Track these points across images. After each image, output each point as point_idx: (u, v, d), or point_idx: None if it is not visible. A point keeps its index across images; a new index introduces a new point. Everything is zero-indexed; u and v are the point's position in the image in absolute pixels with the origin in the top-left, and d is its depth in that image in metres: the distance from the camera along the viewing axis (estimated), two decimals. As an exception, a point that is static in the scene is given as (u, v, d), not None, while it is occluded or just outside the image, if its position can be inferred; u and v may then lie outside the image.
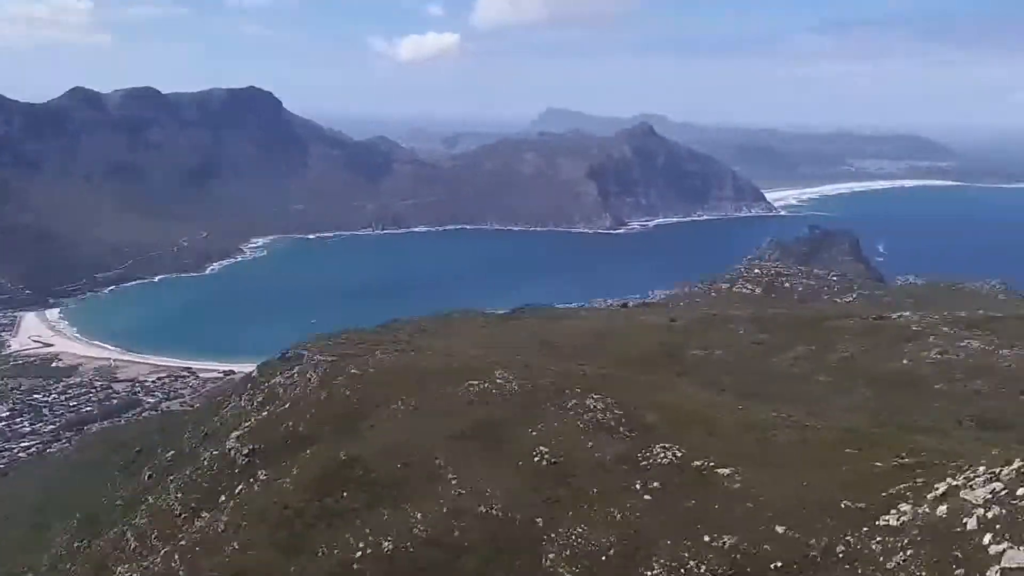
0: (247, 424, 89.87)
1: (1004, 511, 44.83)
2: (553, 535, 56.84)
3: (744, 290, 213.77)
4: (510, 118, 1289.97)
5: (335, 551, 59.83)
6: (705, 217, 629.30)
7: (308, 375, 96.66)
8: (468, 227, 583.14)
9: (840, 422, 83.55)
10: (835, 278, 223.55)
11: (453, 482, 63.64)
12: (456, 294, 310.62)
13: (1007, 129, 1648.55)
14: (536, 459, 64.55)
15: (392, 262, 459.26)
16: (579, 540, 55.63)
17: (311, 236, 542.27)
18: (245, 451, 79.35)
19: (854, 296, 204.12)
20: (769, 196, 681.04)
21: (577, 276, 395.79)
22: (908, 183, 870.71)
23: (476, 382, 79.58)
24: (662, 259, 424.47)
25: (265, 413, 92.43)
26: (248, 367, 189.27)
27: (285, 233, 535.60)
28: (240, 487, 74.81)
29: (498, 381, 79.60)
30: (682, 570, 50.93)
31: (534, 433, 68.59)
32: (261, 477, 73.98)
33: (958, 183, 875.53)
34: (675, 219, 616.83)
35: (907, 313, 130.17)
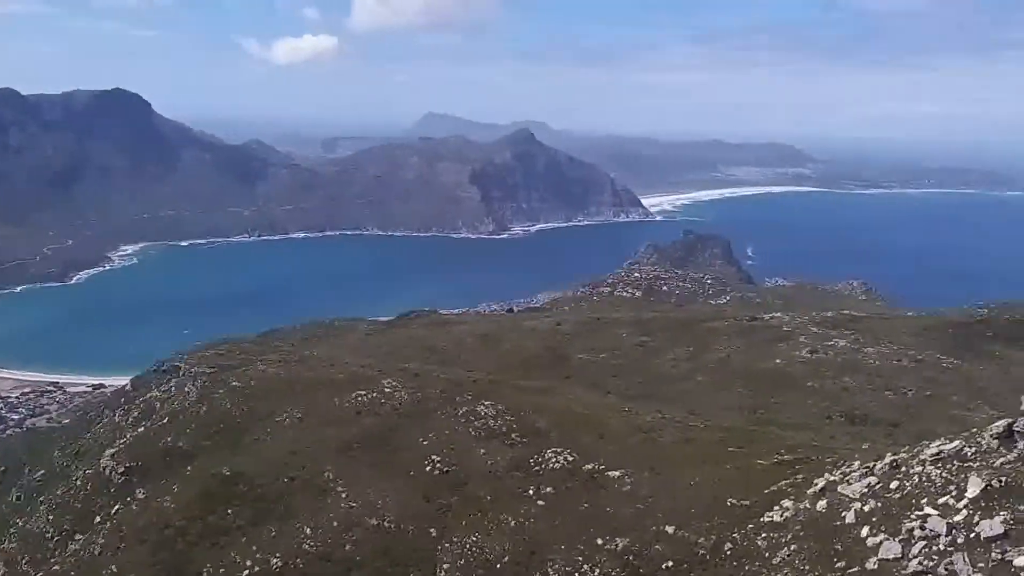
0: (122, 440, 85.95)
1: (879, 504, 47.21)
2: (447, 545, 56.60)
3: (625, 293, 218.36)
4: (390, 122, 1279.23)
5: (220, 570, 57.91)
6: (585, 222, 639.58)
7: (186, 388, 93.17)
8: (349, 233, 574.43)
9: (720, 421, 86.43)
10: (710, 281, 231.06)
11: (343, 495, 62.59)
12: (338, 301, 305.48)
13: (861, 138, 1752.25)
14: (428, 468, 64.20)
15: (270, 269, 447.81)
16: (474, 549, 55.56)
17: (184, 243, 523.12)
18: (121, 469, 75.71)
19: (727, 298, 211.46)
20: (645, 202, 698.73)
21: (461, 281, 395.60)
22: (775, 189, 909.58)
23: (364, 392, 78.55)
24: (545, 264, 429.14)
25: (141, 429, 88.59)
26: (120, 381, 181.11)
27: (156, 240, 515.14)
28: (117, 507, 71.42)
29: (386, 390, 78.79)
30: (576, 575, 51.55)
31: (425, 442, 68.20)
32: (139, 496, 70.87)
33: (819, 189, 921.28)
34: (557, 224, 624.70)
35: (778, 314, 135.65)
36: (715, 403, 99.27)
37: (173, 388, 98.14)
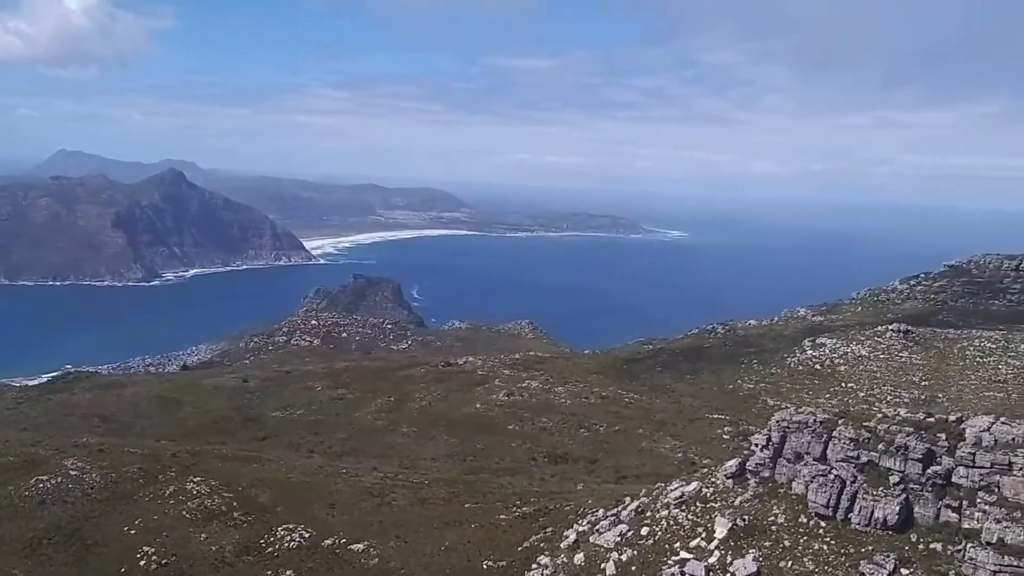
0: None
1: (636, 552, 48.74)
2: (176, 650, 49.73)
3: (303, 342, 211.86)
4: (13, 160, 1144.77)
5: None
6: (245, 267, 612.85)
7: None
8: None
9: (438, 473, 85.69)
10: (390, 326, 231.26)
11: (37, 606, 52.93)
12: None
13: (503, 184, 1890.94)
14: (142, 562, 56.29)
15: None
16: (210, 651, 49.35)
17: None
18: None
19: (409, 343, 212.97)
20: (307, 245, 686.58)
21: (111, 334, 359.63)
22: (433, 232, 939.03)
23: (45, 476, 67.42)
24: (206, 312, 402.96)
25: None
26: None
27: None
28: None
29: (72, 472, 68.32)
30: (336, 664, 47.64)
31: (132, 531, 59.83)
32: None
33: (473, 232, 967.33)
34: (214, 269, 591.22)
35: (471, 358, 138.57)
36: (425, 454, 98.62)
37: None
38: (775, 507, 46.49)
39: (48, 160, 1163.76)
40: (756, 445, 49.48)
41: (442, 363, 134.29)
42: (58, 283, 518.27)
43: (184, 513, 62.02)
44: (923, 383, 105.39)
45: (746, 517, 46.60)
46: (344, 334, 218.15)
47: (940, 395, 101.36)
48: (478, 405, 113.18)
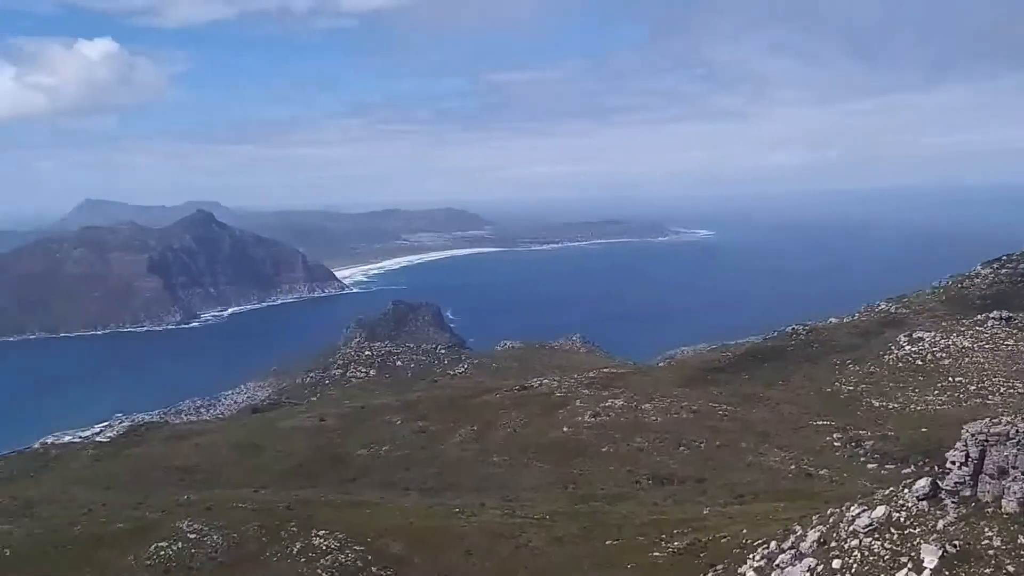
0: None
1: (833, 587, 45.01)
2: None
3: (359, 374, 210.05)
4: (40, 213, 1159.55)
5: None
6: (280, 301, 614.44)
7: None
8: (11, 339, 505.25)
9: (544, 504, 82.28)
10: (443, 351, 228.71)
11: None
12: (23, 423, 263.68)
13: (521, 199, 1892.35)
14: (288, 630, 53.32)
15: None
16: None
17: None
18: None
19: (465, 366, 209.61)
20: (338, 274, 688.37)
21: (155, 379, 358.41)
22: (459, 252, 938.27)
23: (164, 542, 64.79)
24: (248, 349, 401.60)
25: None
26: None
27: None
28: None
29: (191, 536, 65.68)
30: None
31: (270, 596, 56.96)
32: None
33: (500, 248, 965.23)
34: (250, 306, 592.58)
35: (546, 380, 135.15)
36: (523, 484, 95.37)
37: None
38: (987, 529, 42.71)
39: (74, 211, 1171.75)
40: (953, 462, 45.62)
41: (517, 387, 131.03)
42: (98, 332, 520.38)
43: (320, 572, 59.17)
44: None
45: (956, 543, 42.81)
46: (399, 362, 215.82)
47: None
48: (565, 428, 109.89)
